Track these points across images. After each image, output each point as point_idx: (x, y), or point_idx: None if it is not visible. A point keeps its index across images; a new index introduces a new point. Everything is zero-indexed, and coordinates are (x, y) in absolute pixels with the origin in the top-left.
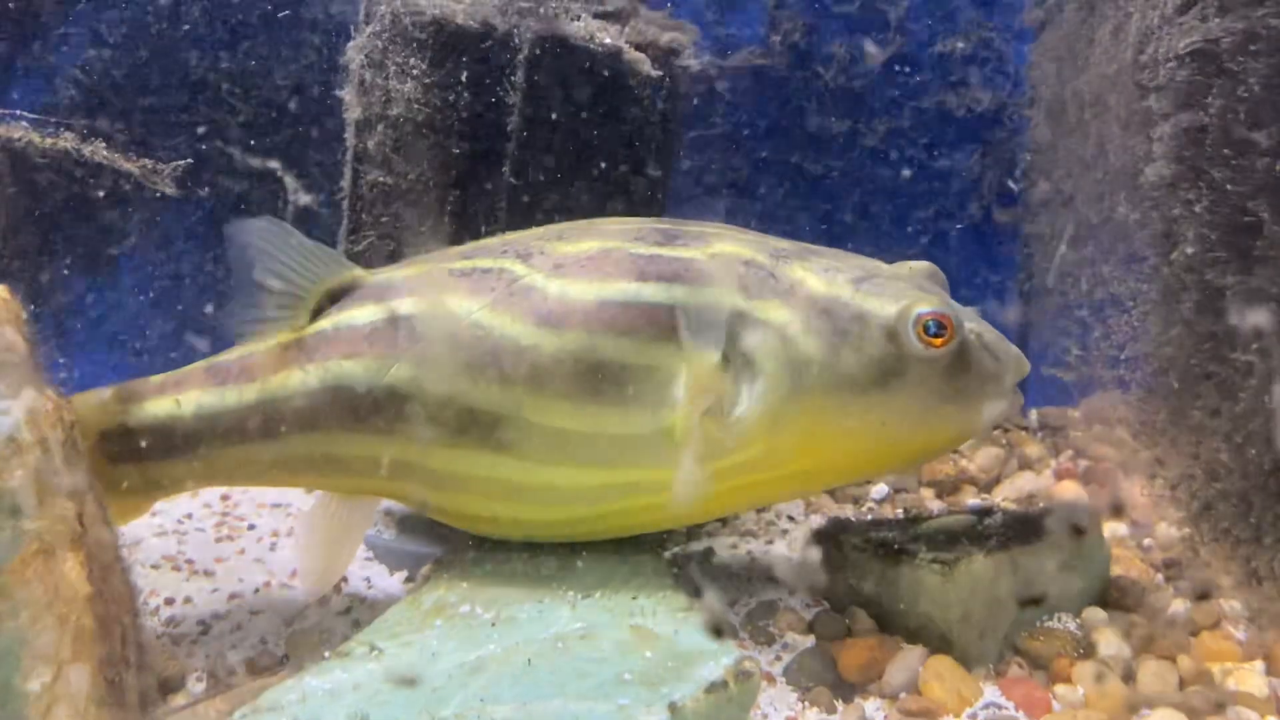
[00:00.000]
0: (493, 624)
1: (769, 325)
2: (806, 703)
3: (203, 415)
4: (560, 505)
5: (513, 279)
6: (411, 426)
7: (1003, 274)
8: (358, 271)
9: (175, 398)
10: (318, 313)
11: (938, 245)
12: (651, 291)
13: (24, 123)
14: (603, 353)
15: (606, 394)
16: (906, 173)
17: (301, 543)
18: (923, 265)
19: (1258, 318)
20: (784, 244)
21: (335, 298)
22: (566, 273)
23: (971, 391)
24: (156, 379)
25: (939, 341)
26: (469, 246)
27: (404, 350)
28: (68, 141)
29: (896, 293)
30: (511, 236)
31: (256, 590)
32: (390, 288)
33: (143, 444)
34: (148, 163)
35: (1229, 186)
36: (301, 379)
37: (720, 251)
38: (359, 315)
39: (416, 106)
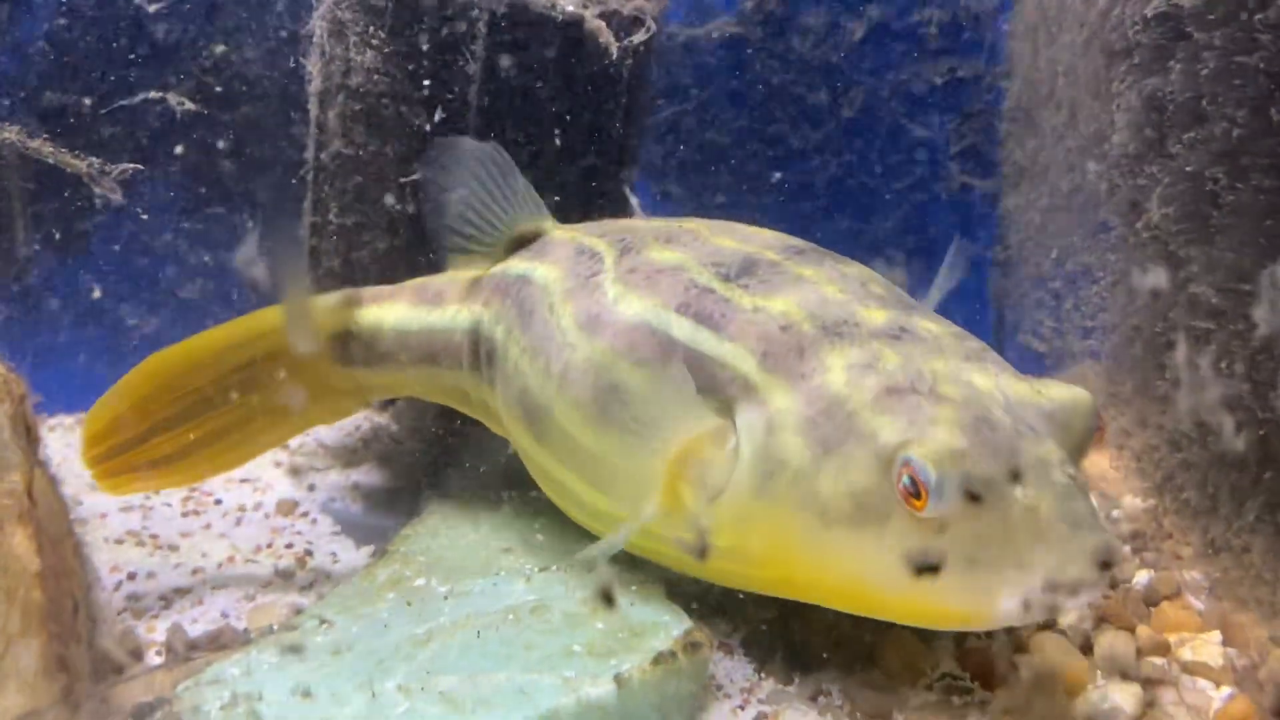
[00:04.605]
0: (446, 597)
1: (764, 408)
2: (763, 674)
3: (398, 330)
4: (579, 511)
5: (596, 271)
6: (496, 385)
7: (979, 244)
8: (547, 223)
9: (382, 309)
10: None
11: (914, 216)
12: (678, 328)
13: None
14: (617, 375)
15: (612, 418)
16: (884, 143)
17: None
18: (1068, 395)
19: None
20: (879, 316)
21: (527, 242)
22: (631, 281)
23: (981, 574)
24: (374, 289)
25: (917, 504)
26: (617, 224)
27: (507, 311)
28: (11, 134)
29: (922, 420)
30: (643, 225)
31: (220, 565)
32: (545, 247)
33: (354, 350)
34: (95, 162)
35: (1189, 154)
36: (465, 315)
37: (767, 307)
38: (512, 268)
39: (377, 76)
